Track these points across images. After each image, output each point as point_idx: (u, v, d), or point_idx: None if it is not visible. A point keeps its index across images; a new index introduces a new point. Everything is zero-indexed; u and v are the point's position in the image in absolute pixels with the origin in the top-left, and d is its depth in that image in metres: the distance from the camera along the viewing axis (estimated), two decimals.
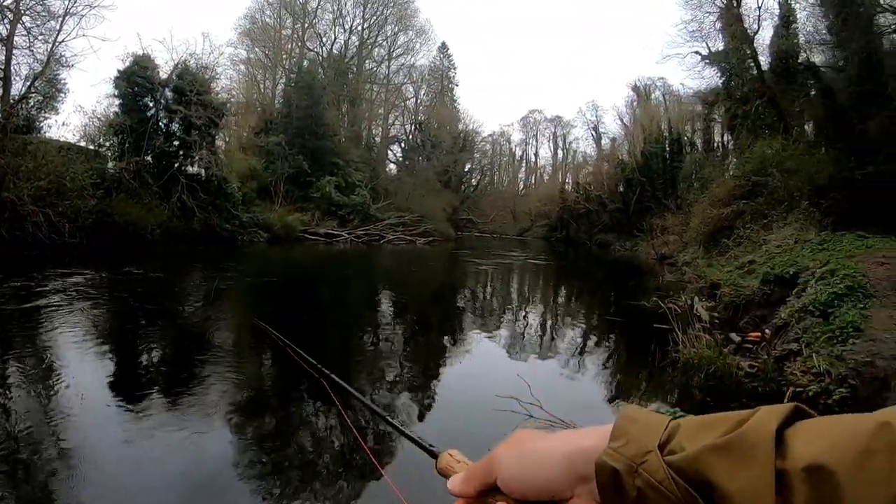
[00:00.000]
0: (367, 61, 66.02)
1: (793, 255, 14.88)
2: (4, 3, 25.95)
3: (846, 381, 7.06)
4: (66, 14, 27.83)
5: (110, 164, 30.64)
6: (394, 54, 68.73)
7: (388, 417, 1.46)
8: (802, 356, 8.28)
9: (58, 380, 8.25)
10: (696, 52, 35.41)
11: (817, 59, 26.61)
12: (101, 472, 5.62)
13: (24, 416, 6.87)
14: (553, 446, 0.80)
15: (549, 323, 17.34)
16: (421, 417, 8.09)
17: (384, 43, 67.26)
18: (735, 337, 11.87)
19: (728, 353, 10.22)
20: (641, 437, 0.71)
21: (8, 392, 7.72)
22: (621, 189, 58.51)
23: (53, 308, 12.91)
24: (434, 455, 1.09)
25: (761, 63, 29.85)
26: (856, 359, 7.43)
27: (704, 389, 9.21)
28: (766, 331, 11.02)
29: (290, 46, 58.58)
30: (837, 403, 6.82)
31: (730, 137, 40.83)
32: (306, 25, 59.45)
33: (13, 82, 26.67)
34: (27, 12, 26.82)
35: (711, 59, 34.39)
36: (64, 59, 28.10)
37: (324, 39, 62.47)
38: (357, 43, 64.06)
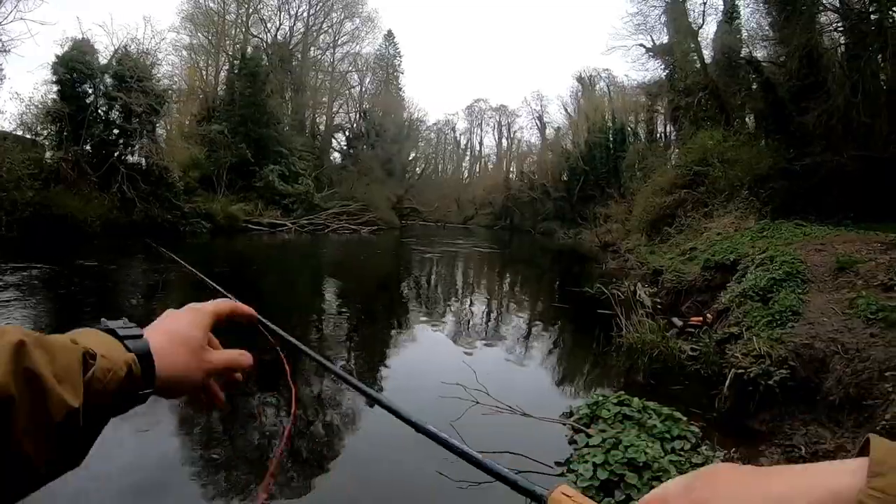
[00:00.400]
0: (312, 48, 64.76)
1: (733, 242, 15.15)
2: None
3: (786, 362, 7.22)
4: None
5: (48, 154, 29.57)
6: (339, 42, 67.52)
7: (437, 433, 1.07)
8: (743, 339, 8.46)
9: None
10: (641, 45, 35.94)
11: (759, 54, 27.15)
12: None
13: None
14: (793, 491, 0.61)
15: (494, 311, 17.43)
16: (369, 406, 8.05)
17: (330, 30, 66.02)
18: (677, 321, 12.07)
19: (671, 338, 10.43)
20: None
21: None
22: (565, 178, 59.00)
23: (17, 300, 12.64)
24: (540, 500, 0.85)
25: (705, 57, 30.42)
26: (795, 341, 7.61)
27: (648, 373, 9.37)
28: (708, 315, 11.23)
29: (234, 32, 56.95)
30: (778, 385, 6.98)
31: (672, 128, 41.50)
32: (251, 11, 57.95)
33: None
34: None
35: (656, 51, 34.92)
36: (0, 43, 27.23)
37: (268, 25, 60.94)
38: (302, 29, 62.80)
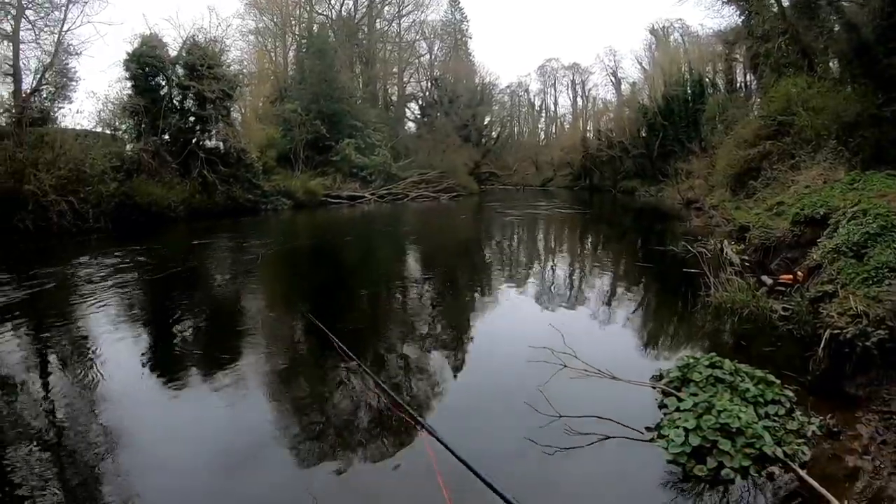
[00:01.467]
0: (377, 20, 65.17)
1: (822, 195, 14.58)
2: (6, 0, 25.94)
3: (884, 322, 6.94)
4: (69, 3, 27.77)
5: (128, 147, 30.84)
6: (404, 11, 67.76)
7: None
8: (838, 297, 8.14)
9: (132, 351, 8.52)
10: None
11: None
12: (144, 448, 5.78)
13: (78, 396, 7.10)
14: None
15: (578, 272, 17.34)
16: (455, 371, 8.17)
17: (393, 1, 66.42)
18: (767, 280, 11.82)
19: (761, 296, 10.18)
20: None
21: (64, 370, 7.98)
22: (643, 134, 57.77)
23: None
24: None
25: None
26: (893, 300, 7.33)
27: (738, 333, 9.22)
28: (799, 273, 10.93)
29: (298, 12, 57.73)
30: (875, 346, 6.74)
31: (752, 77, 40.19)
32: None
33: (23, 76, 26.69)
34: (30, 6, 26.78)
35: None
36: (72, 47, 28.14)
37: (332, 2, 61.59)
38: (366, 3, 63.26)
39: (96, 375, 7.55)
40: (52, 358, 8.49)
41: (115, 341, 9.00)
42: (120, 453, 5.62)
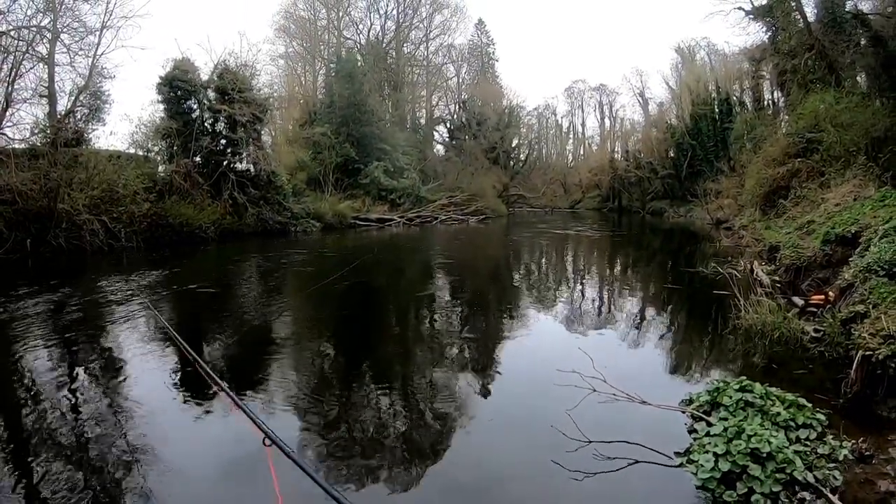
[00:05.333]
0: (405, 45, 66.41)
1: (853, 212, 14.41)
2: (42, 24, 27.04)
3: None
4: (103, 28, 29.10)
5: (161, 168, 31.74)
6: (431, 35, 68.96)
7: None
8: (870, 318, 8.00)
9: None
10: (740, 8, 34.48)
11: (865, 6, 25.78)
12: (167, 463, 5.80)
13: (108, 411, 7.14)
14: None
15: (606, 295, 17.22)
16: (483, 395, 8.15)
17: (420, 25, 67.64)
18: (798, 300, 11.66)
19: (792, 318, 10.05)
20: None
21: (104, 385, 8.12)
22: (672, 154, 57.82)
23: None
24: None
25: (807, 14, 29.04)
26: None
27: (769, 356, 9.11)
28: (830, 293, 10.78)
29: (327, 37, 59.06)
30: None
31: (780, 94, 39.92)
32: (341, 14, 59.90)
33: (58, 98, 27.80)
34: (65, 30, 27.99)
35: (755, 13, 33.50)
36: (105, 71, 29.22)
37: (360, 27, 63.17)
38: (393, 27, 64.53)
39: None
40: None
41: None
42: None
